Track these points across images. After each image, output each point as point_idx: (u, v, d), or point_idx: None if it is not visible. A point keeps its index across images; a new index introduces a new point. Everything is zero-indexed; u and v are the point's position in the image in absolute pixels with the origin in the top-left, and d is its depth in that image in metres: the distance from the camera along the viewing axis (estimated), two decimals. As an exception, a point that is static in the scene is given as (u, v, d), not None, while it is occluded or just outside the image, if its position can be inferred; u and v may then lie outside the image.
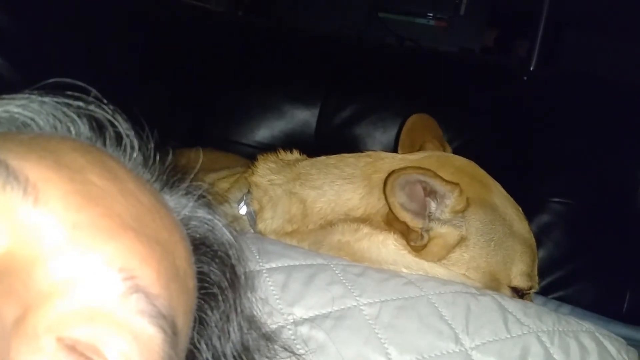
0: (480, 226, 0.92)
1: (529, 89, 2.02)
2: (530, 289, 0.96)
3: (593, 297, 1.68)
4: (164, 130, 0.63)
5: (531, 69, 2.43)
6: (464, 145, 1.85)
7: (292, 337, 0.72)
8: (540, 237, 1.77)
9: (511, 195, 1.80)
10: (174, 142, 0.65)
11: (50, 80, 0.55)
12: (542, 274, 1.75)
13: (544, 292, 1.68)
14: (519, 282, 0.93)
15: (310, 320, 0.75)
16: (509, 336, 0.77)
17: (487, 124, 1.91)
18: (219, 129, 1.91)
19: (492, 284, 0.91)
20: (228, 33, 2.01)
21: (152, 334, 0.46)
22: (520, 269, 0.93)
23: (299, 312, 0.77)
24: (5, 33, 1.39)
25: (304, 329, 0.74)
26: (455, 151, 1.85)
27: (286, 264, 0.82)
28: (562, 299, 1.59)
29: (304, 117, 1.92)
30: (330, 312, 0.77)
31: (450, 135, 1.85)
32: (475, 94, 1.93)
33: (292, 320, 0.75)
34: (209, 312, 0.60)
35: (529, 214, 1.82)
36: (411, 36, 2.59)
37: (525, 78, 2.11)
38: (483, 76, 2.01)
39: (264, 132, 1.91)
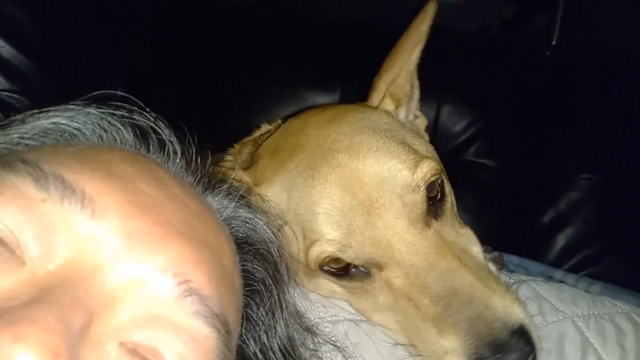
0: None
1: (552, 64, 2.00)
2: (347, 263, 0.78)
3: (624, 272, 1.67)
4: (184, 124, 0.64)
5: (553, 43, 2.39)
6: (487, 125, 1.84)
7: (331, 333, 0.74)
8: (569, 214, 1.77)
9: (537, 173, 1.81)
10: (209, 144, 0.67)
11: (96, 93, 0.57)
12: (572, 251, 1.76)
13: (575, 269, 1.68)
14: (313, 263, 0.78)
15: (349, 320, 0.77)
16: (544, 323, 0.78)
17: (510, 102, 1.89)
18: (238, 119, 1.92)
19: (305, 270, 0.82)
20: (242, 23, 2.01)
21: (207, 334, 0.48)
22: (302, 249, 0.79)
23: (337, 311, 0.79)
24: (22, 28, 1.41)
25: (342, 327, 0.76)
26: (479, 133, 1.85)
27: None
28: (593, 276, 1.58)
29: (324, 102, 1.91)
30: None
31: (474, 115, 1.85)
32: (496, 73, 1.91)
33: (329, 319, 0.77)
34: (255, 309, 0.62)
35: (557, 191, 1.82)
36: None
37: (548, 53, 2.09)
38: (504, 54, 1.99)
39: (285, 120, 1.91)
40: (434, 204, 0.80)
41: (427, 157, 0.80)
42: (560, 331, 0.77)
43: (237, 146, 1.10)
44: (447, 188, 0.84)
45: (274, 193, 0.82)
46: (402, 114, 0.99)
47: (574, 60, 1.98)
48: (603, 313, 0.82)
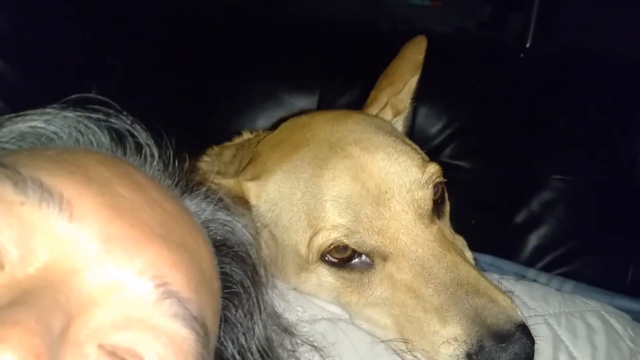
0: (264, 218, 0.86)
1: (526, 65, 2.03)
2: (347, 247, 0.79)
3: (596, 272, 1.70)
4: (165, 125, 0.65)
5: (527, 44, 2.43)
6: (462, 127, 1.87)
7: (309, 333, 0.75)
8: (542, 214, 1.80)
9: (511, 174, 1.83)
10: (186, 146, 0.67)
11: (73, 97, 0.57)
12: (545, 250, 1.79)
13: (548, 268, 1.71)
14: (315, 251, 0.79)
15: (327, 320, 0.78)
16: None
17: (484, 104, 1.92)
18: (219, 120, 1.92)
19: (299, 262, 0.83)
20: (223, 22, 2.01)
21: (186, 336, 0.49)
22: (304, 238, 0.80)
23: (315, 311, 0.79)
24: (5, 36, 1.40)
25: (320, 327, 0.77)
26: (454, 134, 1.88)
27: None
28: (566, 275, 1.61)
29: (303, 104, 1.92)
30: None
31: (450, 117, 1.87)
32: (472, 75, 1.93)
33: (307, 319, 0.78)
34: (234, 311, 0.62)
35: (530, 191, 1.86)
36: (407, 17, 2.59)
37: (522, 55, 2.12)
38: (479, 56, 2.02)
39: (264, 122, 1.91)
40: (436, 206, 0.83)
41: (432, 161, 0.84)
42: (532, 328, 0.79)
43: (216, 148, 1.11)
44: (446, 193, 0.88)
45: (275, 183, 0.84)
46: (398, 125, 1.05)
47: (548, 62, 2.02)
48: (574, 311, 0.84)
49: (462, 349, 0.70)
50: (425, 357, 0.72)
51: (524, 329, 0.70)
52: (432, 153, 1.81)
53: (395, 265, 0.76)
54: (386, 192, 0.78)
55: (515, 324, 0.70)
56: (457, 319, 0.70)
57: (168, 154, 0.63)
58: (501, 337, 0.68)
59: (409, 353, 0.74)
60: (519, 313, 0.72)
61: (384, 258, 0.77)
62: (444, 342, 0.71)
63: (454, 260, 0.76)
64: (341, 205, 0.77)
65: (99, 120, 0.60)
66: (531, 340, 0.70)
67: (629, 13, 2.47)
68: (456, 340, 0.70)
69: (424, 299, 0.73)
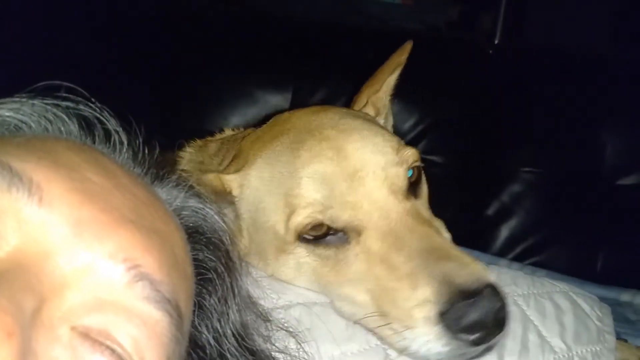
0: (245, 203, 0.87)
1: (495, 62, 2.07)
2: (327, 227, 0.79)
3: (567, 261, 1.75)
4: (137, 122, 0.65)
5: (496, 42, 2.47)
6: (434, 123, 1.90)
7: (284, 319, 0.75)
8: (512, 206, 1.84)
9: (482, 167, 1.87)
10: (158, 136, 0.67)
11: (41, 84, 0.57)
12: (515, 241, 1.83)
13: (519, 258, 1.75)
14: (293, 230, 0.79)
15: (302, 305, 0.79)
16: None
17: (455, 100, 1.95)
18: (191, 119, 1.91)
19: (277, 245, 0.83)
20: (194, 21, 2.00)
21: (159, 318, 0.49)
22: (282, 218, 0.81)
23: (290, 297, 0.80)
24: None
25: (295, 312, 0.77)
26: (426, 130, 1.90)
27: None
28: (537, 265, 1.66)
29: (276, 102, 1.93)
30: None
31: (421, 113, 1.90)
32: (443, 72, 1.96)
33: (282, 305, 0.78)
34: (207, 297, 0.62)
35: (501, 184, 1.89)
36: (378, 15, 2.61)
37: (490, 52, 2.16)
38: (449, 53, 2.05)
39: (237, 119, 1.91)
40: (412, 186, 0.85)
41: (408, 146, 0.86)
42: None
43: (199, 141, 1.11)
44: (423, 177, 0.90)
45: (256, 170, 0.85)
46: (380, 122, 1.07)
47: (516, 58, 2.06)
48: (542, 292, 0.86)
49: (433, 310, 0.71)
50: (401, 325, 0.73)
51: (493, 288, 0.71)
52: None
53: (369, 239, 0.77)
54: (361, 170, 0.79)
55: (484, 283, 0.71)
56: (427, 281, 0.72)
57: (137, 142, 0.63)
58: (470, 294, 0.70)
59: (385, 326, 0.75)
60: (490, 275, 0.74)
61: (359, 233, 0.78)
62: (415, 305, 0.72)
63: (426, 231, 0.77)
64: (316, 181, 0.79)
65: (68, 108, 0.60)
66: (501, 300, 0.71)
67: (594, 10, 2.53)
68: (428, 301, 0.71)
69: (396, 268, 0.74)
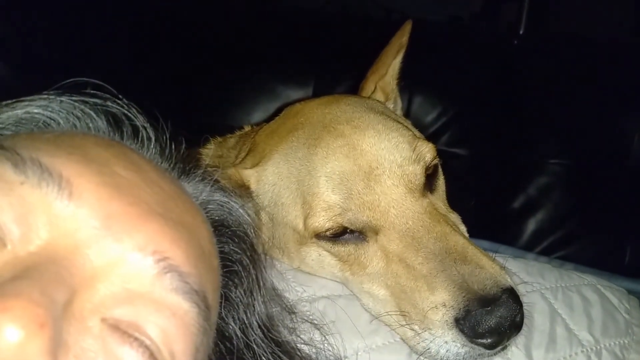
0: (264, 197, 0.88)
1: (520, 53, 2.04)
2: (339, 227, 0.79)
3: (594, 254, 1.72)
4: (164, 119, 0.66)
5: (520, 32, 2.44)
6: (458, 114, 1.88)
7: (309, 312, 0.76)
8: (540, 198, 1.81)
9: (507, 160, 1.84)
10: (183, 132, 0.68)
11: (69, 81, 0.58)
12: (543, 234, 1.80)
13: (546, 252, 1.73)
14: (311, 230, 0.80)
15: (326, 298, 0.79)
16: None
17: (479, 91, 1.93)
18: (214, 115, 1.92)
19: (297, 238, 0.84)
20: (216, 17, 2.01)
21: (187, 309, 0.50)
22: (301, 213, 0.81)
23: (315, 290, 0.80)
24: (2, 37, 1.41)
25: (319, 305, 0.78)
26: (450, 122, 1.88)
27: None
28: (565, 258, 1.63)
29: (298, 96, 1.92)
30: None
31: (445, 105, 1.88)
32: (466, 63, 1.94)
33: (307, 297, 0.79)
34: (234, 289, 0.63)
35: (527, 177, 1.87)
36: (400, 7, 2.59)
37: (515, 42, 2.13)
38: (473, 45, 2.02)
39: (259, 115, 1.91)
40: (428, 180, 0.84)
41: (424, 139, 0.86)
42: (530, 302, 0.80)
43: (219, 138, 1.13)
44: (440, 169, 0.90)
45: (273, 165, 0.85)
46: (390, 106, 1.07)
47: (541, 48, 2.03)
48: (570, 285, 0.85)
49: (450, 315, 0.71)
50: (421, 328, 0.74)
51: (510, 293, 0.71)
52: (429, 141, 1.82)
53: (386, 238, 0.77)
54: (377, 167, 0.79)
55: (501, 288, 0.71)
56: (445, 285, 0.72)
57: (164, 137, 0.64)
58: (487, 301, 0.70)
59: (407, 326, 0.75)
60: (507, 278, 0.74)
61: (376, 232, 0.78)
62: (432, 307, 0.72)
63: (443, 230, 0.77)
64: (334, 181, 0.79)
65: (96, 105, 0.61)
66: (518, 303, 0.71)
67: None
68: (444, 305, 0.72)
69: (414, 268, 0.74)
